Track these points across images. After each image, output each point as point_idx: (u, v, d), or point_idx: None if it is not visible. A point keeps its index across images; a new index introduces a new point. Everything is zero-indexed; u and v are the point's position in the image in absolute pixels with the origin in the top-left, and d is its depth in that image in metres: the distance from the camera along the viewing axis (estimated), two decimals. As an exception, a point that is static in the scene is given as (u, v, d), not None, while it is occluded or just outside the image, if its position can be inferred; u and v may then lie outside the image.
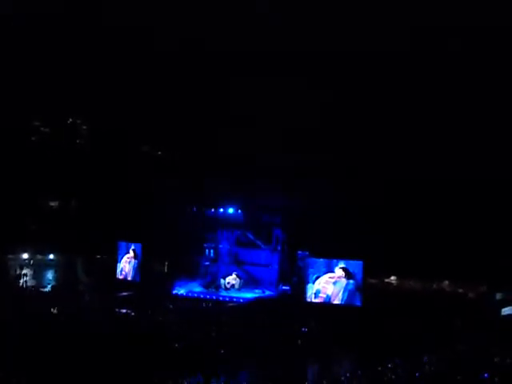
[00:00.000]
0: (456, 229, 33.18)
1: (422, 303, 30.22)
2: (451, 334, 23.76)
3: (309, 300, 30.90)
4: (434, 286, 34.27)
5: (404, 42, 35.99)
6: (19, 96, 39.68)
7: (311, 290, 30.81)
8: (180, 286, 34.94)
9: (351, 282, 29.94)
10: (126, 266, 36.91)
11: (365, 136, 37.50)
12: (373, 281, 33.84)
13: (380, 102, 37.16)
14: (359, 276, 29.89)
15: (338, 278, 30.22)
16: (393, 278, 35.71)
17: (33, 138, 42.74)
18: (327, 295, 30.38)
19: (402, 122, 36.64)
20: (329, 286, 30.39)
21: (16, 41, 38.51)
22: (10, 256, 38.07)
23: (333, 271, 30.41)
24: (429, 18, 35.93)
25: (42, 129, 43.30)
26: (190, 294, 34.38)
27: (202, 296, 34.11)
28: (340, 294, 30.14)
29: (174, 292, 34.38)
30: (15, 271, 36.61)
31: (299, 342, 23.70)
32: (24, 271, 36.51)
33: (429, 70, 36.25)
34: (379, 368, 19.42)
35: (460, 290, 33.48)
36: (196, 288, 35.69)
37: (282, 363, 20.01)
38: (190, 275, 36.23)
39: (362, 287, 30.04)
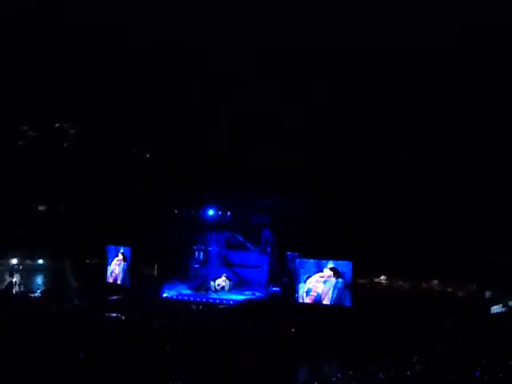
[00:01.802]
0: (444, 228, 33.37)
1: (412, 303, 30.32)
2: (441, 333, 23.86)
3: (300, 299, 31.00)
4: (424, 285, 34.41)
5: (404, 40, 36.07)
6: (6, 100, 39.49)
7: (302, 289, 30.91)
8: (170, 289, 34.85)
9: (340, 280, 30.09)
10: (116, 268, 36.85)
11: (354, 136, 37.57)
12: (362, 281, 33.96)
13: (369, 101, 37.21)
14: (348, 275, 30.06)
15: (328, 277, 30.37)
16: (382, 277, 35.83)
17: (20, 143, 42.49)
18: (318, 293, 30.53)
19: (391, 121, 36.74)
20: (319, 284, 30.54)
21: (1, 44, 38.36)
22: (-1, 261, 37.93)
23: (322, 271, 30.57)
24: (428, 18, 36.04)
25: (30, 133, 43.08)
26: (179, 297, 34.33)
27: (191, 298, 34.05)
28: (330, 293, 30.27)
29: (164, 295, 34.32)
30: (4, 277, 36.43)
31: (289, 342, 23.80)
32: (14, 277, 36.36)
33: (425, 68, 36.29)
34: (369, 368, 19.50)
35: (449, 289, 33.64)
36: (185, 290, 35.62)
37: (273, 364, 20.06)
38: (180, 278, 36.15)
39: (352, 286, 30.18)
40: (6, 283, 35.72)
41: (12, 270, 36.91)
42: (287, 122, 38.58)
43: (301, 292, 31.06)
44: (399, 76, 36.51)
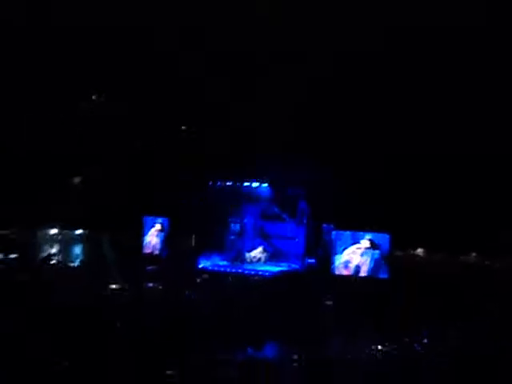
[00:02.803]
0: (483, 200, 32.79)
1: (449, 275, 30.07)
2: (478, 306, 23.61)
3: (336, 271, 30.92)
4: (461, 258, 34.02)
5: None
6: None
7: (339, 260, 30.84)
8: (206, 260, 35.07)
9: (377, 252, 29.98)
10: (153, 239, 37.15)
11: (392, 107, 36.98)
12: (399, 253, 33.68)
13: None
14: (385, 247, 29.90)
15: (365, 249, 30.27)
16: (420, 250, 35.50)
17: (55, 111, 42.75)
18: (354, 265, 30.44)
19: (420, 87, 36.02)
20: (356, 256, 30.47)
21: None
22: (39, 232, 38.44)
23: (359, 243, 30.47)
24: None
25: (65, 101, 43.23)
26: (215, 268, 34.53)
27: (227, 270, 34.22)
28: (367, 264, 30.18)
29: (200, 266, 34.55)
30: (44, 247, 37.00)
31: (325, 315, 23.81)
32: (53, 247, 36.92)
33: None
34: (406, 340, 19.44)
35: (487, 262, 33.21)
36: (221, 262, 35.82)
37: (307, 336, 20.08)
38: (216, 249, 36.30)
39: (389, 258, 30.02)
40: (45, 253, 36.28)
41: (51, 241, 37.44)
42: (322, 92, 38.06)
43: (337, 263, 30.99)
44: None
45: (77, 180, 42.35)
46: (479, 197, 32.86)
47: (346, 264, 30.78)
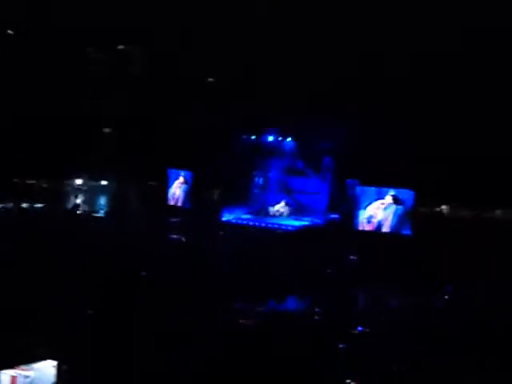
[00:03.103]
0: (507, 157, 32.35)
1: (473, 232, 29.92)
2: (504, 262, 23.52)
3: (360, 226, 30.91)
4: (486, 214, 33.79)
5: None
6: (72, 24, 39.60)
7: (363, 215, 30.81)
8: (229, 213, 35.20)
9: (400, 207, 29.90)
10: (177, 190, 37.27)
11: (413, 70, 36.47)
12: (423, 209, 33.53)
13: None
14: (409, 203, 29.80)
15: (389, 204, 30.20)
16: (444, 207, 35.32)
17: (86, 65, 42.73)
18: (378, 220, 30.41)
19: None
20: (379, 211, 30.40)
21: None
22: (65, 182, 38.77)
23: (383, 198, 30.39)
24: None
25: (96, 56, 43.18)
26: (238, 221, 34.68)
27: (250, 223, 34.36)
28: (389, 220, 30.14)
29: (224, 218, 34.72)
30: (70, 197, 37.36)
31: (348, 269, 23.92)
32: (78, 197, 37.27)
33: None
34: (430, 296, 19.50)
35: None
36: (245, 215, 35.93)
37: (331, 290, 20.21)
38: (239, 202, 36.37)
39: (412, 214, 29.95)
40: (71, 203, 36.68)
41: (77, 191, 37.79)
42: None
43: (361, 218, 30.98)
44: None
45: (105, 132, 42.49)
46: (503, 153, 32.45)
47: (370, 219, 30.76)
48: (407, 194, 30.06)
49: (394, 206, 30.19)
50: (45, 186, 39.06)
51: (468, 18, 34.13)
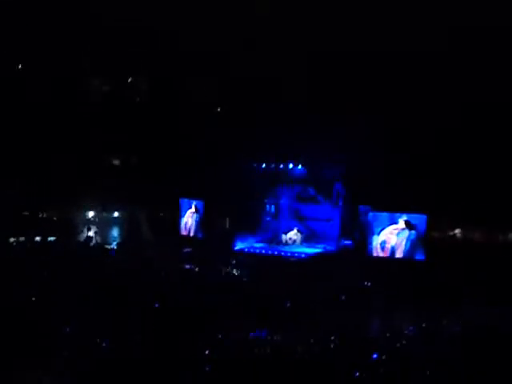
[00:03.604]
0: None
1: (487, 256, 29.70)
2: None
3: (374, 251, 30.87)
4: (500, 237, 33.55)
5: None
6: (78, 55, 40.11)
7: (376, 241, 30.75)
8: (241, 242, 35.20)
9: (413, 232, 29.85)
10: (189, 220, 37.38)
11: (428, 87, 36.51)
12: (436, 234, 33.36)
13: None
14: (422, 227, 29.76)
15: (402, 229, 30.15)
16: (457, 231, 35.13)
17: (93, 95, 43.20)
18: (391, 246, 30.35)
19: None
20: (393, 236, 30.38)
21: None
22: (77, 214, 38.92)
23: (396, 223, 30.37)
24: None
25: (103, 86, 43.66)
26: (251, 250, 34.65)
27: (263, 251, 34.33)
28: (403, 245, 30.10)
29: (236, 247, 34.70)
30: (83, 230, 37.45)
31: (361, 296, 23.76)
32: (91, 229, 37.35)
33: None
34: (443, 321, 19.33)
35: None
36: (257, 243, 35.91)
37: (344, 317, 20.09)
38: (251, 231, 36.40)
39: (425, 239, 29.86)
40: (84, 236, 36.76)
41: (89, 223, 37.92)
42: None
43: (374, 244, 30.91)
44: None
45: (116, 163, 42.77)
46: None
47: (383, 244, 30.72)
48: (420, 219, 30.03)
49: (406, 231, 30.14)
50: (56, 218, 39.28)
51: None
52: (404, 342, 16.77)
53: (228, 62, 39.58)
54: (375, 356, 15.08)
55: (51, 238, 35.31)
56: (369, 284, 26.17)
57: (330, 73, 37.34)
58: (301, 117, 37.15)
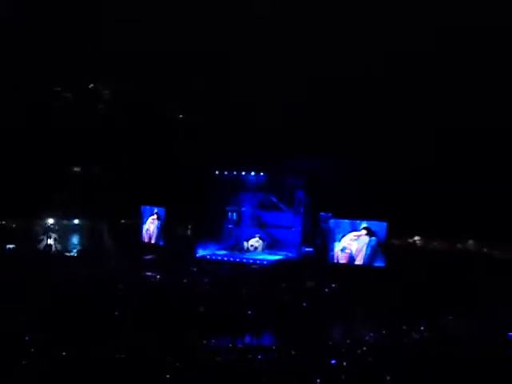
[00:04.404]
0: (480, 188, 32.77)
1: (446, 264, 30.15)
2: (477, 294, 23.65)
3: (335, 257, 31.31)
4: (459, 245, 34.11)
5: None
6: (41, 62, 39.70)
7: (338, 247, 31.14)
8: (203, 249, 35.15)
9: (373, 238, 30.27)
10: (150, 226, 37.30)
11: (389, 97, 37.01)
12: (396, 241, 33.79)
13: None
14: (382, 234, 30.18)
15: (362, 235, 30.52)
16: (417, 238, 35.61)
17: (54, 104, 42.76)
18: (351, 251, 30.72)
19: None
20: (353, 242, 30.79)
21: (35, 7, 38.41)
22: (37, 222, 38.37)
23: (357, 230, 30.74)
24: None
25: (65, 94, 43.26)
26: (213, 257, 34.61)
27: (225, 258, 34.32)
28: (363, 251, 30.51)
29: (198, 254, 34.63)
30: (42, 237, 36.94)
31: (322, 302, 23.89)
32: (51, 237, 36.85)
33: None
34: (404, 327, 19.51)
35: (485, 250, 33.30)
36: (220, 251, 35.90)
37: (305, 324, 20.17)
38: (213, 238, 36.39)
39: (385, 245, 30.26)
40: (43, 244, 36.27)
41: (48, 231, 37.40)
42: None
43: (336, 250, 31.24)
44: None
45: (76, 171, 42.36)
46: (476, 183, 32.86)
47: (344, 250, 31.06)
48: (380, 226, 30.44)
49: (367, 238, 30.51)
50: (14, 225, 38.72)
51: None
52: (364, 348, 16.88)
53: (190, 71, 39.63)
54: (333, 362, 15.17)
55: (10, 246, 34.77)
56: (330, 291, 26.30)
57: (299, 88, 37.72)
58: (263, 127, 37.40)
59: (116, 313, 20.49)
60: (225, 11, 37.60)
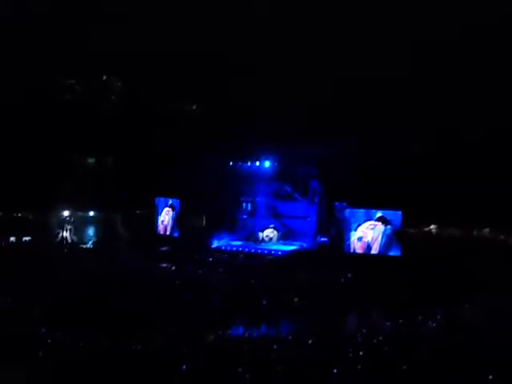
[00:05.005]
0: (496, 176, 32.57)
1: (462, 252, 29.97)
2: (493, 282, 23.48)
3: (351, 246, 31.25)
4: (475, 233, 33.89)
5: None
6: (52, 55, 39.81)
7: (354, 236, 31.01)
8: (218, 240, 35.17)
9: (389, 227, 30.13)
10: (165, 217, 37.43)
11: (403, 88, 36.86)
12: (412, 230, 33.63)
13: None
14: (397, 223, 30.05)
15: (377, 224, 30.42)
16: (432, 226, 35.44)
17: (67, 96, 42.90)
18: (368, 241, 30.60)
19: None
20: (369, 231, 30.69)
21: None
22: (52, 214, 38.55)
23: (372, 219, 30.61)
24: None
25: (77, 87, 43.40)
26: (228, 248, 34.63)
27: (240, 249, 34.33)
28: (379, 240, 30.39)
29: (213, 245, 34.66)
30: (57, 229, 37.12)
31: (338, 292, 23.84)
32: (66, 229, 37.02)
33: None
34: (420, 317, 19.43)
35: (501, 237, 33.07)
36: (234, 241, 35.91)
37: (321, 313, 20.13)
38: (228, 229, 36.40)
39: (400, 234, 30.12)
40: (58, 236, 36.47)
41: (63, 223, 37.58)
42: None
43: (352, 239, 31.13)
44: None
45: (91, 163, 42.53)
46: (492, 172, 32.68)
47: (360, 239, 30.97)
48: (395, 215, 30.28)
49: (382, 227, 30.39)
50: (31, 218, 38.92)
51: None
52: (381, 338, 16.81)
53: (202, 64, 39.65)
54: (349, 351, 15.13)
55: (26, 238, 34.98)
56: (345, 280, 26.24)
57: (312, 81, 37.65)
58: (276, 116, 37.30)
59: (131, 305, 20.51)
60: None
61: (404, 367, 13.92)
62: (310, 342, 16.46)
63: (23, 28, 38.05)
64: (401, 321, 18.98)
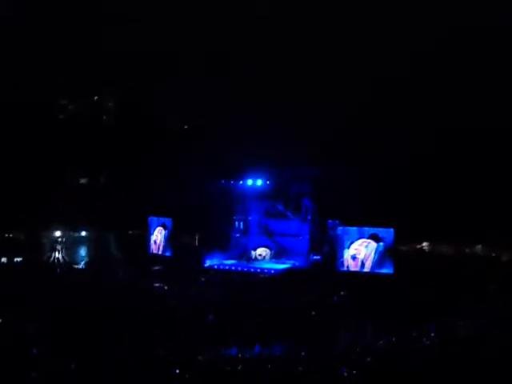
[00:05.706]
0: (486, 193, 32.71)
1: (455, 268, 30.02)
2: (485, 298, 23.54)
3: (345, 263, 31.19)
4: (467, 250, 33.95)
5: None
6: (44, 74, 39.85)
7: (347, 253, 31.02)
8: (211, 259, 35.07)
9: (381, 244, 30.20)
10: (158, 236, 37.29)
11: (394, 102, 36.99)
12: (404, 247, 33.67)
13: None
14: (389, 240, 30.09)
15: (369, 242, 30.50)
16: (424, 243, 35.49)
17: (60, 116, 42.90)
18: (361, 259, 30.68)
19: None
20: (362, 248, 30.71)
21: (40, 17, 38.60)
22: (43, 234, 38.41)
23: (365, 237, 30.67)
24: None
25: (69, 106, 43.41)
26: (221, 266, 34.54)
27: (233, 268, 34.24)
28: (371, 257, 30.45)
29: (206, 264, 34.57)
30: (49, 249, 36.95)
31: (331, 310, 23.82)
32: (57, 250, 36.86)
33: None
34: (414, 334, 19.42)
35: (493, 254, 33.13)
36: (227, 260, 35.83)
37: (314, 332, 20.09)
38: (221, 248, 36.30)
39: (393, 251, 30.16)
40: (50, 256, 36.31)
41: (55, 243, 37.43)
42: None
43: (345, 256, 31.13)
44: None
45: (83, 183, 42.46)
46: (483, 189, 32.78)
47: (354, 257, 31.00)
48: (387, 232, 30.36)
49: (374, 244, 30.46)
50: (23, 238, 38.74)
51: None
52: (374, 356, 16.78)
53: (193, 82, 39.76)
54: (343, 370, 15.07)
55: (18, 259, 34.81)
56: (338, 298, 26.21)
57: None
58: (267, 135, 37.39)
59: (123, 324, 20.41)
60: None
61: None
62: (302, 360, 16.43)
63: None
64: (394, 338, 18.96)
